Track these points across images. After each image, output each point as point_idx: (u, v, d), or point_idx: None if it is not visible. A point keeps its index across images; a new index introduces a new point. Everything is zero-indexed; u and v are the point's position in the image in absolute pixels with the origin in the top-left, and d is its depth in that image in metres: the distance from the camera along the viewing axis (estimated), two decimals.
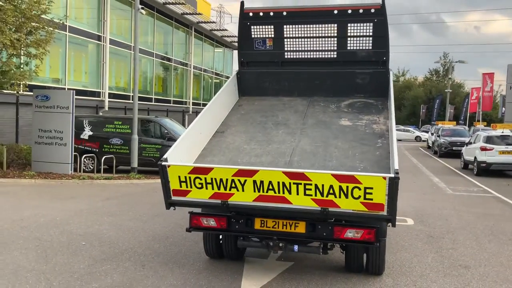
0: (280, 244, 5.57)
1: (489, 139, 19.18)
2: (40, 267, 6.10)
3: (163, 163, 5.32)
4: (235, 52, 61.64)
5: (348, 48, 7.52)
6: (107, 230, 8.19)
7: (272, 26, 7.60)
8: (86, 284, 5.57)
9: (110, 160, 15.48)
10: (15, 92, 14.90)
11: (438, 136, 29.78)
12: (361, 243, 5.53)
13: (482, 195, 14.04)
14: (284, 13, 7.52)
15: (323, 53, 7.67)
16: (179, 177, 5.31)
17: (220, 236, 6.50)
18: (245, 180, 5.13)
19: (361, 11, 7.19)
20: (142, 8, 16.42)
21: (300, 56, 7.80)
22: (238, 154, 6.32)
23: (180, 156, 5.81)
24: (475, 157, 19.24)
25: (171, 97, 33.80)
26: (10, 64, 13.89)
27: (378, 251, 5.95)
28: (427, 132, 43.52)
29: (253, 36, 7.73)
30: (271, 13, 7.55)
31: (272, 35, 7.68)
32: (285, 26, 7.57)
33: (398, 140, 50.45)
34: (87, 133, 16.57)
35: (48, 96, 14.66)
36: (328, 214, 5.12)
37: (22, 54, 14.57)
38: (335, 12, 7.31)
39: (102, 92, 25.20)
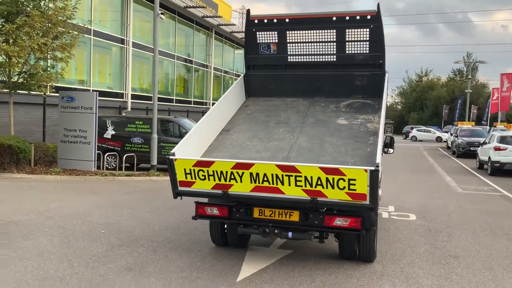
0: (276, 231, 6.15)
1: (503, 139, 19.33)
2: (63, 251, 6.81)
3: (171, 157, 5.96)
4: None
5: (347, 52, 8.03)
6: (125, 221, 8.88)
7: (276, 32, 8.17)
8: (103, 264, 6.25)
9: (131, 158, 16.31)
10: (42, 93, 15.78)
11: (456, 137, 29.85)
12: (349, 231, 6.06)
13: (491, 193, 14.32)
14: (287, 20, 8.08)
15: (324, 56, 8.20)
16: (184, 169, 5.94)
17: (225, 225, 7.11)
18: (243, 173, 5.73)
19: (358, 17, 7.70)
20: (162, 13, 17.14)
21: (302, 60, 8.35)
22: (241, 150, 6.92)
23: (188, 151, 6.44)
24: (489, 157, 19.42)
25: (192, 98, 34.63)
26: (38, 67, 14.80)
27: (368, 240, 6.46)
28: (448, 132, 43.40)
29: (258, 41, 8.31)
30: (275, 20, 8.12)
31: (276, 40, 8.24)
32: (288, 32, 8.13)
33: (419, 140, 50.48)
34: (110, 132, 17.41)
35: (73, 97, 15.52)
36: (317, 203, 5.67)
37: (48, 57, 15.46)
38: (334, 18, 7.84)
39: (125, 93, 26.13)
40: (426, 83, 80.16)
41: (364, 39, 7.86)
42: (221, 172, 5.81)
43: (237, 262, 6.57)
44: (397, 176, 18.75)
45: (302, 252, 7.18)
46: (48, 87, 16.25)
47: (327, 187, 5.51)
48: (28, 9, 14.16)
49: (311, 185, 5.55)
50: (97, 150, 15.83)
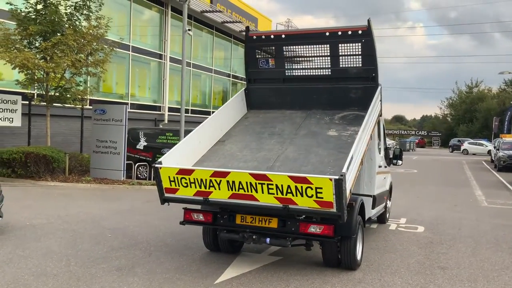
0: (254, 237, 6.46)
1: None
2: (66, 251, 7.39)
3: (156, 165, 6.42)
4: None
5: (341, 66, 8.29)
6: (134, 226, 9.42)
7: (273, 47, 8.55)
8: (97, 265, 6.76)
9: None
10: (76, 106, 16.78)
11: (498, 150, 28.94)
12: (322, 238, 6.29)
13: None
14: (283, 36, 8.45)
15: (319, 70, 8.49)
16: (169, 177, 6.37)
17: (218, 231, 7.47)
18: (220, 180, 6.09)
19: (349, 32, 7.95)
20: (189, 29, 17.86)
21: (299, 74, 8.67)
22: (231, 160, 7.29)
23: (178, 160, 6.87)
24: None
25: None
26: (72, 82, 15.81)
27: (348, 248, 6.65)
28: None
29: (257, 56, 8.71)
30: (272, 36, 8.50)
31: (274, 55, 8.61)
32: (284, 47, 8.49)
33: (472, 154, 48.82)
34: (142, 143, 18.23)
35: (104, 110, 16.43)
36: (289, 210, 5.94)
37: (83, 73, 16.47)
38: (327, 34, 8.13)
39: (163, 106, 27.15)
40: (477, 94, 77.73)
41: (357, 53, 8.10)
42: (201, 179, 6.20)
43: (223, 266, 6.91)
44: (425, 188, 18.52)
45: (291, 259, 7.43)
46: (84, 100, 17.21)
47: (296, 195, 5.78)
48: (64, 28, 15.18)
49: (282, 193, 5.84)
50: (130, 161, 16.62)
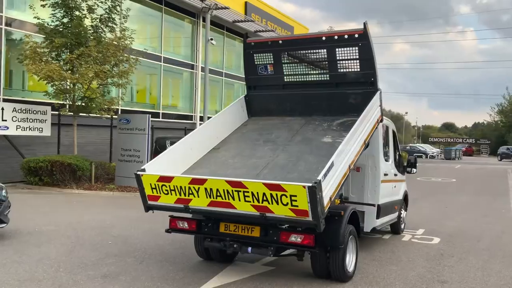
0: (235, 246, 6.31)
1: None
2: (60, 258, 7.48)
3: (138, 172, 6.40)
4: None
5: (339, 70, 8.06)
6: (138, 234, 9.47)
7: (271, 54, 8.41)
8: (85, 271, 6.79)
9: None
10: (102, 116, 17.18)
11: None
12: (303, 247, 6.06)
13: None
14: (280, 42, 8.31)
15: (318, 76, 8.30)
16: (150, 184, 6.34)
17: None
18: (199, 188, 6.00)
19: (346, 36, 7.72)
20: (212, 39, 17.99)
21: (298, 79, 8.49)
22: (221, 167, 7.19)
23: (165, 168, 6.83)
24: None
25: None
26: (96, 93, 16.23)
27: (336, 259, 6.38)
28: None
29: (256, 63, 8.60)
30: (269, 42, 8.39)
31: (272, 61, 8.47)
32: (282, 53, 8.34)
33: None
34: None
35: (128, 120, 16.76)
36: (267, 219, 5.76)
37: (108, 83, 16.86)
38: (324, 38, 7.93)
39: (194, 115, 27.44)
40: None
41: (354, 57, 7.85)
42: (181, 187, 6.12)
43: (210, 275, 6.79)
44: (457, 198, 17.77)
45: (283, 270, 7.22)
46: (110, 110, 17.58)
47: (272, 203, 5.60)
48: (88, 40, 15.63)
49: (258, 201, 5.67)
50: None
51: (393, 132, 10.04)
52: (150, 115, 16.81)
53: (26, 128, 16.74)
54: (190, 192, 6.08)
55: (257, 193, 5.64)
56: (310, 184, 5.32)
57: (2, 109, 15.97)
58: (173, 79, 27.11)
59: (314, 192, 5.30)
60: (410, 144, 70.45)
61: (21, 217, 10.80)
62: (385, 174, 8.83)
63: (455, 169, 35.87)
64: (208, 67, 17.86)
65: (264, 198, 5.62)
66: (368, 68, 7.80)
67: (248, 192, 5.69)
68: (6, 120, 16.07)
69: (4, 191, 8.72)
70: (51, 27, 15.90)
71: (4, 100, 17.25)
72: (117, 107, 17.82)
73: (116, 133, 17.50)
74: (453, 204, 15.96)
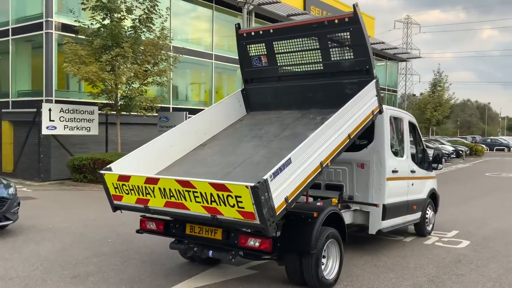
0: (195, 249, 5.96)
1: None
2: (49, 256, 7.54)
3: (101, 171, 6.23)
4: (401, 64, 58.61)
5: (332, 59, 7.41)
6: (140, 234, 9.36)
7: (263, 44, 7.93)
8: (62, 271, 6.76)
9: None
10: (143, 114, 17.46)
11: None
12: (260, 253, 5.57)
13: None
14: (271, 31, 7.79)
15: (312, 65, 7.69)
16: (112, 183, 6.14)
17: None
18: (153, 187, 5.70)
19: (336, 21, 7.07)
20: None
21: (293, 70, 7.94)
22: (197, 165, 6.85)
23: (136, 167, 6.59)
24: None
25: None
26: (135, 92, 16.51)
27: (309, 265, 5.83)
28: None
29: (250, 54, 8.15)
30: (261, 32, 7.89)
31: (265, 52, 7.98)
32: (274, 43, 7.83)
33: None
34: None
35: (168, 117, 16.92)
36: (218, 221, 5.34)
37: (150, 82, 17.08)
38: (314, 25, 7.32)
39: None
40: None
41: (346, 43, 7.18)
42: (138, 186, 5.87)
43: (183, 277, 6.52)
44: None
45: (266, 274, 6.75)
46: (153, 109, 17.77)
47: (220, 204, 5.18)
48: (124, 41, 15.92)
49: (207, 202, 5.27)
50: None
51: (412, 125, 9.15)
52: (187, 112, 16.82)
53: (74, 127, 17.44)
54: (147, 192, 5.80)
55: (205, 193, 5.24)
56: (253, 184, 4.83)
57: (50, 110, 16.75)
58: (227, 76, 27.15)
59: (257, 193, 4.81)
60: (491, 137, 65.65)
61: (43, 214, 11.19)
62: (394, 171, 8.02)
63: None
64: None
65: (213, 199, 5.21)
66: (362, 55, 7.09)
67: (197, 192, 5.31)
68: (53, 121, 16.84)
69: (11, 189, 9.00)
70: (93, 29, 16.36)
71: (57, 102, 18.09)
72: (159, 105, 17.99)
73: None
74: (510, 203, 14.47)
